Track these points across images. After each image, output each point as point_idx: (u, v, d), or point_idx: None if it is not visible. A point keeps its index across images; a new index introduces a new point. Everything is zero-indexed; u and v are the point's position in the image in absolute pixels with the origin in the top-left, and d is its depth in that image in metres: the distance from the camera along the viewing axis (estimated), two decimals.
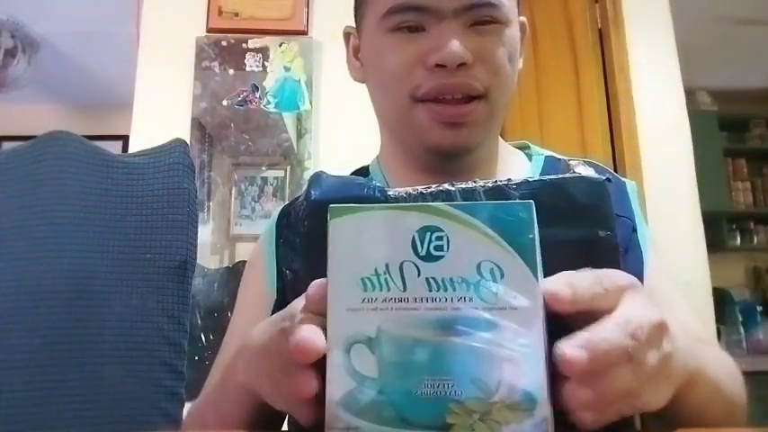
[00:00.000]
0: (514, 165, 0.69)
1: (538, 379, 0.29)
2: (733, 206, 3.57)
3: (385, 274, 0.31)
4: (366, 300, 0.30)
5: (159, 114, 1.88)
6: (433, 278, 0.30)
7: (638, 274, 0.60)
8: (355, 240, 0.31)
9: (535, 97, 2.23)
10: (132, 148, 1.85)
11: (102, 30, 2.94)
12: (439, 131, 0.59)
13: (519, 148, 0.73)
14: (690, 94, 2.37)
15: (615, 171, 2.02)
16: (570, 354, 0.29)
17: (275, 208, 1.84)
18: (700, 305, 1.87)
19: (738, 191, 3.65)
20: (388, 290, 0.30)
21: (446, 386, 0.29)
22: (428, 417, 0.29)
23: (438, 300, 0.30)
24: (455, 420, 0.29)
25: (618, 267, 0.43)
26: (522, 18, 0.67)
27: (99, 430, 0.76)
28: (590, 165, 0.67)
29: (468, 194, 0.42)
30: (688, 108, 2.10)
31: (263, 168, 1.86)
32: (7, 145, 3.32)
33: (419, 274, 0.30)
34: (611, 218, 0.43)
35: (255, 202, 1.84)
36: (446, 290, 0.30)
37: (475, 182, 0.43)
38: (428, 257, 0.31)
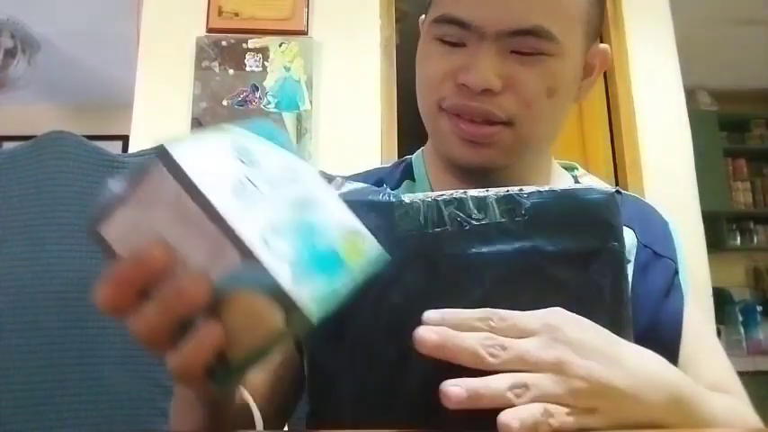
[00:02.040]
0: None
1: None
2: (733, 206, 3.57)
3: (241, 182, 0.35)
4: (243, 200, 0.34)
5: (159, 114, 1.88)
6: (266, 180, 0.36)
7: (678, 316, 0.59)
8: (204, 161, 0.34)
9: None
10: (132, 148, 1.85)
11: (102, 30, 2.94)
12: (458, 147, 0.59)
13: (567, 168, 0.72)
14: (690, 94, 2.37)
15: (615, 171, 2.03)
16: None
17: None
18: (700, 305, 1.87)
19: (738, 191, 3.65)
20: (256, 188, 0.35)
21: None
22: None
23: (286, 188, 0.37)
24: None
25: (623, 277, 0.44)
26: (603, 46, 0.63)
27: (98, 430, 0.77)
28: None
29: (481, 202, 0.43)
30: (688, 108, 2.10)
31: None
32: (7, 145, 3.32)
33: (258, 178, 0.35)
34: (619, 229, 0.44)
35: None
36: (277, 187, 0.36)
37: (487, 190, 0.44)
38: (248, 164, 0.36)
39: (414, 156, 0.73)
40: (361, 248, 0.37)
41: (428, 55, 0.60)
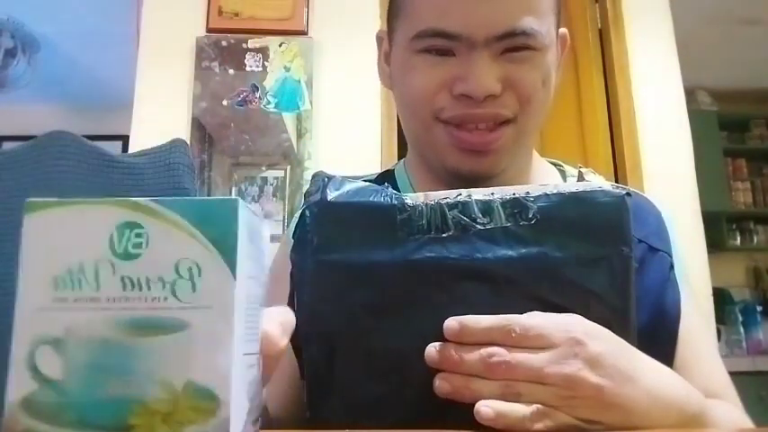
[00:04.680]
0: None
1: (224, 379, 0.29)
2: (733, 206, 3.57)
3: (79, 273, 0.30)
4: (56, 299, 0.29)
5: (159, 114, 1.88)
6: (128, 277, 0.30)
7: (675, 314, 0.58)
8: (50, 237, 0.30)
9: None
10: (132, 148, 1.85)
11: (102, 30, 2.94)
12: (458, 156, 0.58)
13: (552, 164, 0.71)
14: (690, 94, 2.37)
15: (615, 171, 2.03)
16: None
17: (275, 208, 1.84)
18: (700, 305, 1.87)
19: (738, 191, 3.65)
20: (81, 289, 0.30)
21: (130, 387, 0.29)
22: (110, 418, 0.28)
23: (132, 299, 0.29)
24: (137, 421, 0.28)
25: (630, 283, 0.43)
26: (563, 30, 0.64)
27: None
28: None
29: (486, 206, 0.42)
30: (688, 108, 2.10)
31: (263, 168, 1.86)
32: (7, 145, 3.32)
33: (114, 273, 0.30)
34: (629, 233, 0.43)
35: (255, 202, 1.84)
36: (141, 289, 0.29)
37: (492, 193, 0.43)
38: (125, 255, 0.30)
39: (396, 167, 0.72)
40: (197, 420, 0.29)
41: (413, 67, 0.58)
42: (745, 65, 3.44)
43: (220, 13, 1.97)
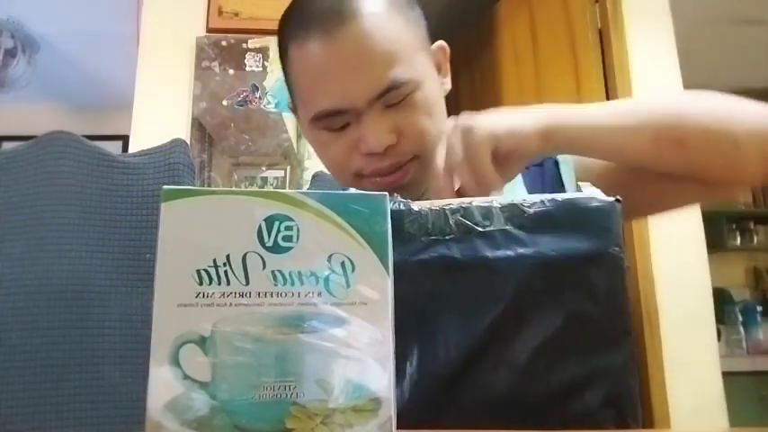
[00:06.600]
0: None
1: (384, 378, 0.28)
2: (733, 206, 3.57)
3: (225, 266, 0.28)
4: (201, 294, 0.27)
5: (159, 114, 1.88)
6: (279, 271, 0.28)
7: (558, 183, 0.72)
8: (191, 227, 0.28)
9: (535, 97, 2.23)
10: (132, 148, 1.85)
11: (102, 30, 2.94)
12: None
13: None
14: None
15: None
16: None
17: None
18: (700, 305, 1.87)
19: None
20: (228, 284, 0.28)
21: (287, 388, 0.27)
22: (266, 423, 0.27)
23: (284, 294, 0.28)
24: (295, 425, 0.27)
25: (623, 282, 0.46)
26: (439, 42, 0.72)
27: (99, 430, 0.77)
28: None
29: (486, 210, 0.45)
30: None
31: (263, 168, 1.86)
32: (7, 145, 3.32)
33: (264, 267, 0.28)
34: (619, 234, 0.46)
35: None
36: (293, 284, 0.28)
37: (492, 200, 0.47)
38: (275, 248, 0.28)
39: None
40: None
41: (324, 143, 0.68)
42: (745, 65, 3.44)
43: (220, 13, 1.97)
